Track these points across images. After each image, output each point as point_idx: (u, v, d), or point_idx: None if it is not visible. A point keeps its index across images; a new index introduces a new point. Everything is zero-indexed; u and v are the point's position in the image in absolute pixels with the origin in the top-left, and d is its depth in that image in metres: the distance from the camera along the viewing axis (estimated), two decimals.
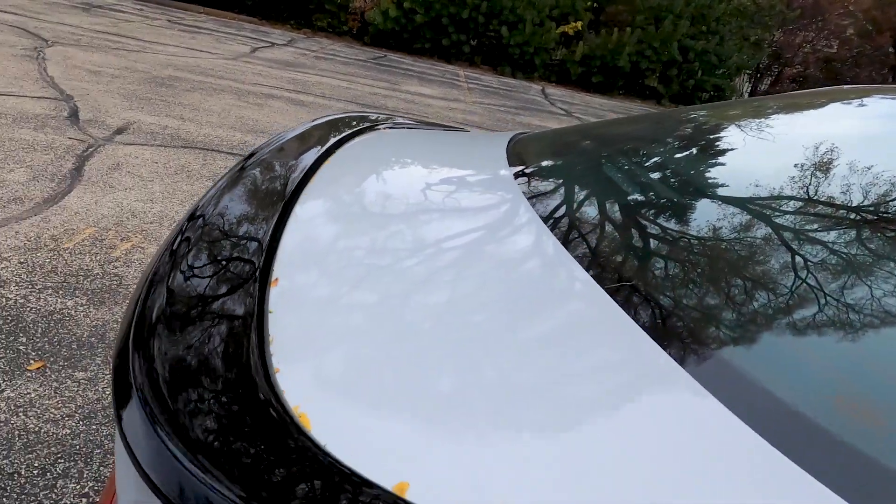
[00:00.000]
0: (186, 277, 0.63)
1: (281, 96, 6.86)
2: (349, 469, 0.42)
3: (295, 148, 1.01)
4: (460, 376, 0.53)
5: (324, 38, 13.72)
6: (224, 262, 0.65)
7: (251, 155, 0.99)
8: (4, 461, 1.53)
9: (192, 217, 0.75)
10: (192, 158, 4.15)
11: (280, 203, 0.76)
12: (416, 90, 9.56)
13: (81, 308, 2.26)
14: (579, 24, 13.84)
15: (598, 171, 1.12)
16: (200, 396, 0.48)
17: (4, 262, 2.44)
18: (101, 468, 1.58)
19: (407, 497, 0.40)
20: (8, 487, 1.47)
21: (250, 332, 0.53)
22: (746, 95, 16.26)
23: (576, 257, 0.74)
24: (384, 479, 0.41)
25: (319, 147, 1.00)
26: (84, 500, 1.48)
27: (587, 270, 0.72)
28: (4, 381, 1.81)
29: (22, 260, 2.49)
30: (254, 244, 0.68)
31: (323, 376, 0.52)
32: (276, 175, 0.90)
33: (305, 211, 0.77)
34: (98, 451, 1.63)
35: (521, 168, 1.08)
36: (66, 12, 9.15)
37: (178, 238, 0.70)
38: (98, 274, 2.51)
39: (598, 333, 0.62)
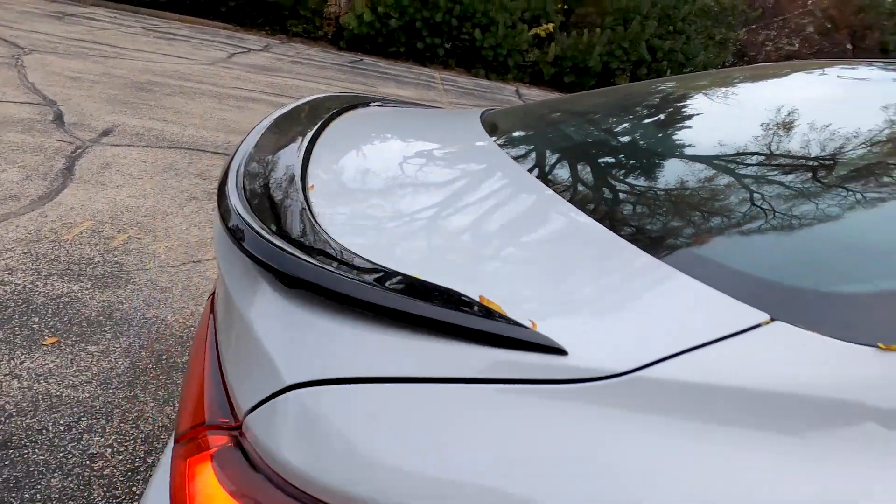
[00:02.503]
0: (255, 173, 0.90)
1: (260, 99, 6.99)
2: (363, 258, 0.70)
3: (310, 109, 1.24)
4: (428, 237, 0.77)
5: (299, 44, 13.82)
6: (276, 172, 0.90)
7: (281, 112, 1.21)
8: (32, 419, 1.68)
9: (250, 144, 0.99)
10: (179, 158, 4.27)
11: (306, 140, 1.01)
12: (393, 92, 9.74)
13: (87, 292, 2.40)
14: (551, 25, 14.16)
15: (557, 129, 1.34)
16: (273, 213, 0.81)
17: (9, 253, 2.56)
18: (122, 424, 1.73)
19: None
20: (38, 441, 1.61)
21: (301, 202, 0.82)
22: None
23: (536, 175, 0.97)
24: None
25: (328, 110, 1.22)
26: (109, 449, 1.64)
27: (544, 182, 0.95)
28: (23, 354, 1.95)
29: (25, 250, 2.61)
30: (295, 164, 0.90)
31: (335, 219, 0.79)
32: (302, 124, 1.13)
33: (324, 146, 1.01)
34: (117, 410, 1.78)
35: (492, 123, 1.32)
36: (40, 20, 9.15)
37: (242, 160, 0.94)
38: (99, 262, 2.65)
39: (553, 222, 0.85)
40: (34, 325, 2.11)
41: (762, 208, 0.89)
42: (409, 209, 0.87)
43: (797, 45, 15.71)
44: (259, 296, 0.69)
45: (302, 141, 1.01)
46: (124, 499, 1.51)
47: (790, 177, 1.00)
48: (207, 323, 0.88)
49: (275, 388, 0.59)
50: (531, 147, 1.26)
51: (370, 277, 0.64)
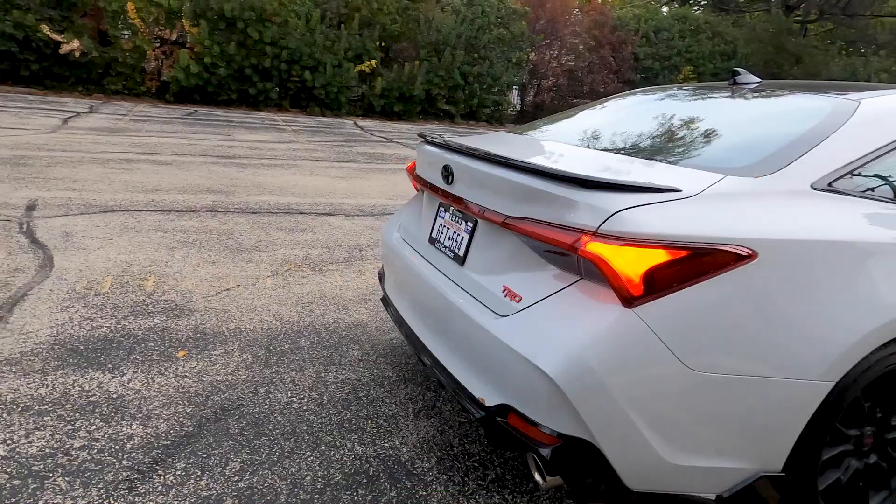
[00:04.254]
0: None
1: (139, 160, 7.04)
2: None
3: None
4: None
5: (123, 101, 13.26)
6: None
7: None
8: (225, 395, 2.24)
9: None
10: (124, 219, 4.51)
11: None
12: (253, 138, 10.09)
13: (167, 321, 2.84)
14: (373, 62, 15.38)
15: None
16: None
17: (73, 307, 2.88)
18: (269, 395, 2.36)
19: None
20: (238, 403, 2.19)
21: None
22: (518, 106, 19.38)
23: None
24: None
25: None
26: (284, 393, 2.27)
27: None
28: (168, 364, 2.44)
29: (83, 304, 2.94)
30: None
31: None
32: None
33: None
34: (254, 386, 2.39)
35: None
36: None
37: None
38: (151, 302, 3.05)
39: None
40: (156, 348, 2.58)
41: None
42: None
43: (574, 61, 18.92)
44: None
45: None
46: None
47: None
48: None
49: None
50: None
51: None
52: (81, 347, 2.52)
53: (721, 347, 1.46)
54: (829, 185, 1.62)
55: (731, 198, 1.52)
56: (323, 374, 2.50)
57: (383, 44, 16.19)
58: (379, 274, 2.64)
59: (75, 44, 12.71)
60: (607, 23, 18.59)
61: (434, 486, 1.87)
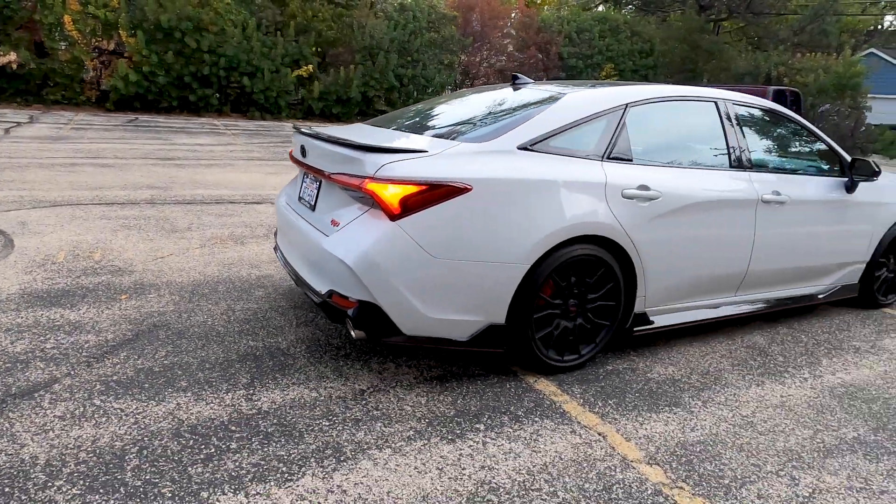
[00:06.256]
0: None
1: (83, 163, 7.69)
2: None
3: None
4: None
5: (64, 111, 13.65)
6: None
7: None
8: (159, 319, 3.10)
9: None
10: (72, 211, 5.25)
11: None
12: (193, 142, 10.77)
13: (115, 278, 3.66)
14: (310, 67, 16.15)
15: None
16: None
17: (35, 271, 3.67)
18: (190, 317, 3.24)
19: None
20: (166, 322, 3.06)
21: None
22: None
23: None
24: None
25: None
26: (222, 314, 3.16)
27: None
28: (113, 303, 3.28)
29: (43, 269, 3.73)
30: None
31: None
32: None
33: None
34: (179, 313, 3.27)
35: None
36: None
37: None
38: (100, 267, 3.86)
39: None
40: (106, 291, 3.41)
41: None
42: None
43: (504, 61, 20.14)
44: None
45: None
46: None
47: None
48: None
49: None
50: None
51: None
52: (45, 296, 3.34)
53: (455, 243, 2.42)
54: (530, 147, 2.62)
55: (460, 155, 2.50)
56: (233, 305, 3.39)
57: (320, 49, 16.98)
58: (274, 233, 3.55)
59: (12, 56, 13.06)
60: (533, 24, 19.84)
61: (298, 359, 2.80)
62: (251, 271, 4.02)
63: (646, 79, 21.49)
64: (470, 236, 2.44)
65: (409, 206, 2.37)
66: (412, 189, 2.36)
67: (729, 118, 3.26)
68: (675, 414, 2.53)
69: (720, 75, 21.10)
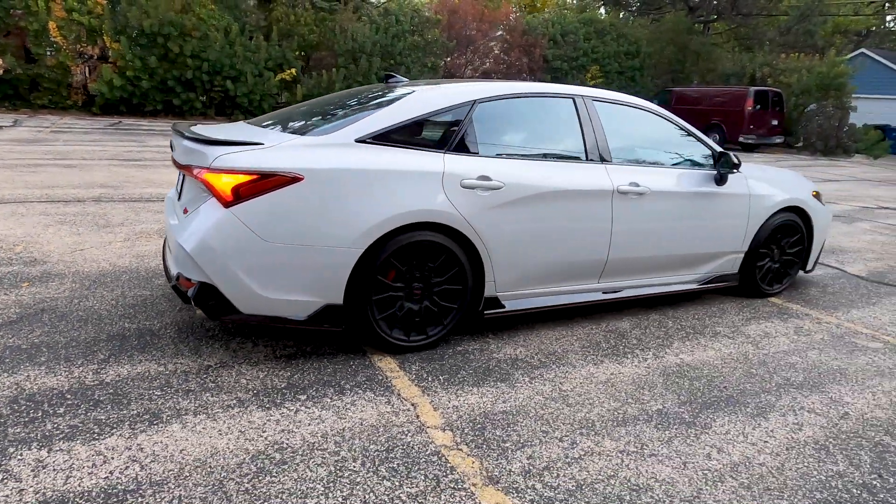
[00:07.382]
0: None
1: (48, 164, 7.98)
2: None
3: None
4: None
5: (50, 115, 14.02)
6: None
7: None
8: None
9: None
10: (14, 208, 5.51)
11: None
12: (167, 144, 11.06)
13: (25, 268, 3.90)
14: (293, 70, 16.44)
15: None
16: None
17: None
18: (80, 303, 3.46)
19: None
20: (55, 308, 3.28)
21: None
22: None
23: None
24: None
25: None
26: (110, 304, 3.38)
27: None
28: (13, 290, 3.51)
29: None
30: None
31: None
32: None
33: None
34: (72, 299, 3.48)
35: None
36: None
37: None
38: (19, 258, 4.10)
39: None
40: (7, 281, 3.64)
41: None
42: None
43: (489, 64, 20.35)
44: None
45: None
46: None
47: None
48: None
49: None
50: None
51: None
52: None
53: (287, 229, 2.62)
54: (369, 140, 2.82)
55: (295, 147, 2.70)
56: (126, 292, 3.61)
57: (303, 53, 17.27)
58: None
59: None
60: (518, 27, 20.03)
61: (163, 339, 3.01)
62: (161, 262, 4.24)
63: (632, 80, 21.60)
64: (303, 221, 2.64)
65: (242, 193, 2.57)
66: (243, 178, 2.57)
67: (588, 114, 3.44)
68: (496, 388, 2.71)
69: (707, 76, 21.19)
